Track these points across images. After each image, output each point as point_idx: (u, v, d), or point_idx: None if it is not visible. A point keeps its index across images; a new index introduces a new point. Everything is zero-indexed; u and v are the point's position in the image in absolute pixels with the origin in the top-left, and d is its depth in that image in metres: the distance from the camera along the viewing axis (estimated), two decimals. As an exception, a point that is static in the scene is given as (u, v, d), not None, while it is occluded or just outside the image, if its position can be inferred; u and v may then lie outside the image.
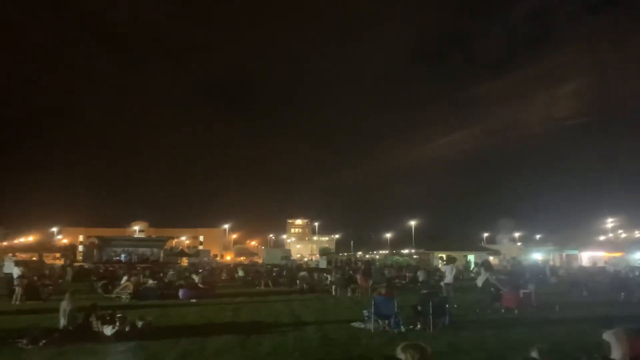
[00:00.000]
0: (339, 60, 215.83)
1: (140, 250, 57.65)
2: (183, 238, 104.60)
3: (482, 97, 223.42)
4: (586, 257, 62.41)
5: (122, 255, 54.27)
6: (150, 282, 24.37)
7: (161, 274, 30.13)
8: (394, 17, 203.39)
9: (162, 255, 58.97)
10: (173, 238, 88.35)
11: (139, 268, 36.18)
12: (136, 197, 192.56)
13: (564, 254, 64.71)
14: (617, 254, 55.64)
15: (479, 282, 18.46)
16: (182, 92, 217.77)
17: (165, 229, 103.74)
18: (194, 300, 19.65)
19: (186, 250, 77.33)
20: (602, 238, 78.67)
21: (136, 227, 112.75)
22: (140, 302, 18.88)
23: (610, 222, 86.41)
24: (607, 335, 9.85)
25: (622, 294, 21.05)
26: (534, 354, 5.70)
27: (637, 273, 31.97)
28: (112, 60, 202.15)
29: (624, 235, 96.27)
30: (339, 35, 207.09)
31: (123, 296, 20.13)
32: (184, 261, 63.04)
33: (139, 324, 11.65)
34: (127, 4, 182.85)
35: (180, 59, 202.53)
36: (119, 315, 11.75)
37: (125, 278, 23.00)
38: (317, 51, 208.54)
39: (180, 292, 20.91)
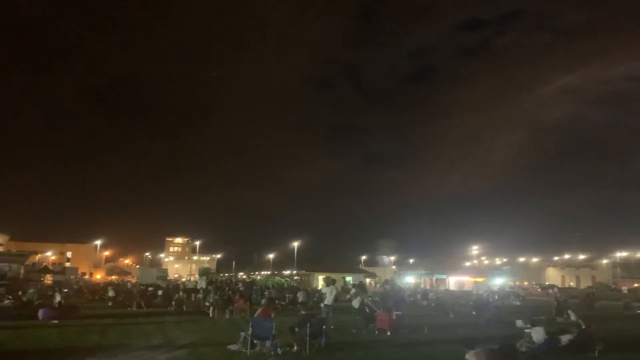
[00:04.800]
0: (230, 80, 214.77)
1: (-3, 265, 52.07)
2: (48, 253, 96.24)
3: (366, 125, 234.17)
4: (453, 281, 66.87)
5: (-27, 271, 48.53)
6: (6, 301, 22.11)
7: (20, 292, 27.45)
8: (290, 40, 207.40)
9: (22, 271, 53.70)
10: (37, 253, 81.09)
11: (-8, 285, 32.61)
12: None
13: (434, 278, 68.76)
14: (480, 279, 60.27)
15: (356, 303, 18.91)
16: (61, 98, 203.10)
17: (29, 242, 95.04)
18: (56, 322, 18.07)
19: (51, 266, 71.17)
20: (467, 264, 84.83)
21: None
22: (-9, 323, 17.01)
23: (474, 250, 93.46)
24: (469, 356, 10.59)
25: (475, 313, 22.63)
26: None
27: (496, 297, 34.78)
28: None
29: (486, 261, 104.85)
30: (234, 53, 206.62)
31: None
32: (48, 278, 58.00)
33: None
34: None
35: (62, 62, 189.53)
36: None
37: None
38: (212, 68, 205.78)
39: (40, 312, 19.20)
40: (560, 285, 79.68)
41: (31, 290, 28.30)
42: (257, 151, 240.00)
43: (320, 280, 57.33)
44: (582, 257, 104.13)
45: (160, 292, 30.41)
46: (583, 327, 13.82)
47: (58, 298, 23.13)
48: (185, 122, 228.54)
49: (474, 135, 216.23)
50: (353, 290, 21.82)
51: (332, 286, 19.33)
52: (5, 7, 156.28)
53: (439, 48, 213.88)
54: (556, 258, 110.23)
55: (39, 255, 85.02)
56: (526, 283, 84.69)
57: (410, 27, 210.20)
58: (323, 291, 21.51)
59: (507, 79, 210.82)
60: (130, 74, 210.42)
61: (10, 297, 24.11)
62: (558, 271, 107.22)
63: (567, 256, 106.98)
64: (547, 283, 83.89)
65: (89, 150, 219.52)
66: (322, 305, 18.58)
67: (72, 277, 63.15)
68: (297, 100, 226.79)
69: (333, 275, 35.31)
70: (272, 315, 12.91)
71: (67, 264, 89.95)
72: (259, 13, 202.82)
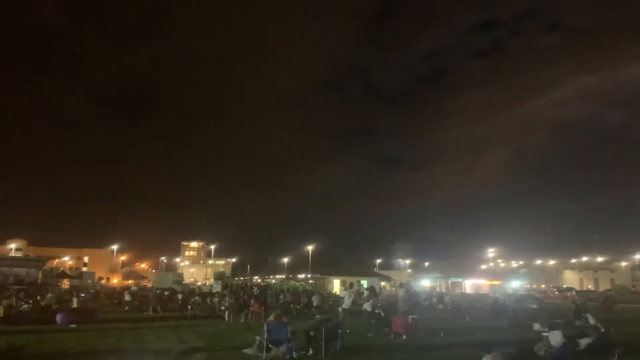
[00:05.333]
0: (244, 83, 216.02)
1: (16, 270, 52.93)
2: (66, 258, 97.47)
3: (380, 127, 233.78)
4: (469, 284, 66.48)
5: (-7, 276, 49.34)
6: (25, 305, 22.38)
7: (38, 297, 27.79)
8: (302, 42, 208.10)
9: (40, 276, 54.50)
10: (54, 258, 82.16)
11: (12, 290, 33.05)
12: (14, 213, 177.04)
13: (450, 281, 68.45)
14: (497, 282, 59.85)
15: (368, 307, 18.87)
16: (75, 104, 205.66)
17: (47, 248, 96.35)
18: (74, 326, 18.26)
19: (68, 271, 72.03)
20: (483, 267, 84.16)
21: (12, 246, 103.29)
22: (10, 327, 17.24)
23: (490, 252, 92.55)
24: (486, 359, 10.48)
25: (492, 317, 22.48)
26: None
27: (512, 300, 34.39)
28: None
29: (502, 264, 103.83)
30: (248, 57, 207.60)
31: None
32: (65, 283, 58.67)
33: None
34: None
35: (74, 68, 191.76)
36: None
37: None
38: (225, 71, 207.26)
39: (58, 317, 19.41)
40: (578, 288, 78.60)
41: (49, 295, 28.65)
42: (271, 154, 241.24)
43: (335, 284, 57.33)
44: (600, 259, 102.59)
45: (180, 296, 30.66)
46: (602, 330, 13.59)
47: (75, 302, 23.43)
48: (199, 127, 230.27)
49: (488, 137, 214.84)
50: (365, 294, 21.82)
51: (350, 290, 19.34)
52: (6, 9, 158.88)
53: (452, 50, 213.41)
54: (574, 260, 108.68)
55: (57, 260, 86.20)
56: (543, 286, 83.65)
57: (422, 29, 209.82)
58: (341, 295, 21.59)
59: (520, 81, 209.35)
60: (144, 78, 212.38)
61: (29, 301, 24.40)
62: (576, 274, 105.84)
63: (585, 258, 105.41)
64: (564, 286, 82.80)
65: (105, 156, 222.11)
66: (340, 309, 18.60)
67: (89, 281, 63.83)
68: (310, 102, 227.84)
69: (347, 279, 35.30)
70: (285, 320, 12.89)
71: (84, 269, 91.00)
72: (270, 15, 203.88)
